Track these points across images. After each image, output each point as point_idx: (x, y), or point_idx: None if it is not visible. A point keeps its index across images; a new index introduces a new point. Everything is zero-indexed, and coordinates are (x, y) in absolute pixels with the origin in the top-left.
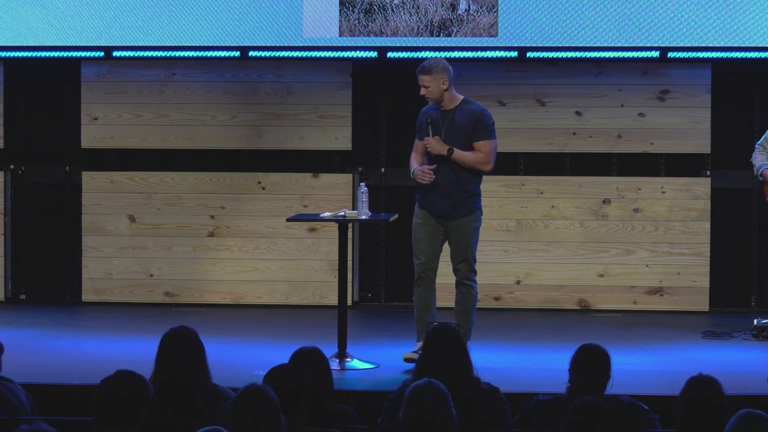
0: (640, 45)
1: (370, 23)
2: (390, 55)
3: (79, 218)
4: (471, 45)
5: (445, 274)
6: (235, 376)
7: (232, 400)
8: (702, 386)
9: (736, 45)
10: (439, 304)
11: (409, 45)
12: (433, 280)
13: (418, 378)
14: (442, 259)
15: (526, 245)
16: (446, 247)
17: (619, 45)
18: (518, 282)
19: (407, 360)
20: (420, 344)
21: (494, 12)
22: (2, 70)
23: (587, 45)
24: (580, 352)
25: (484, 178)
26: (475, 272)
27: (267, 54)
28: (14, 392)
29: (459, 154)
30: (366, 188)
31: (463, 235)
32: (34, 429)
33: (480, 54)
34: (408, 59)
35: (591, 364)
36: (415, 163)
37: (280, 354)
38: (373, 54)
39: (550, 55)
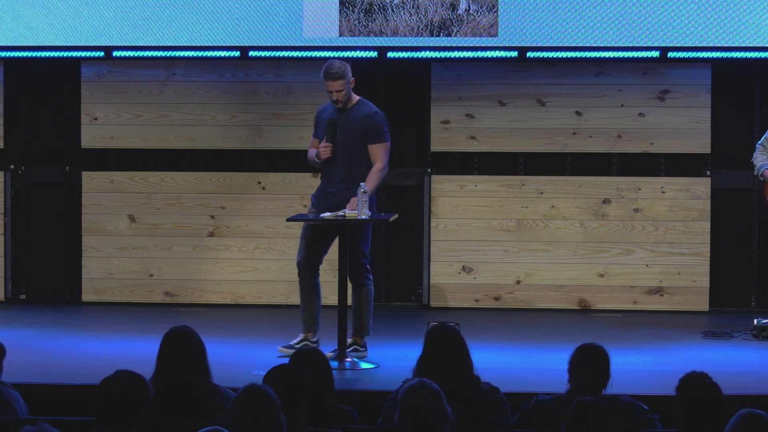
0: (640, 45)
1: (370, 23)
2: (390, 55)
3: (79, 218)
4: (471, 45)
5: (444, 274)
6: (235, 376)
7: (232, 400)
8: (695, 384)
9: (736, 45)
10: (435, 303)
11: (409, 45)
12: (313, 275)
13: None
14: (436, 258)
15: (526, 245)
16: (441, 248)
17: (619, 45)
18: (518, 282)
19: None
20: (302, 336)
21: (494, 12)
22: (2, 70)
23: (587, 45)
24: (579, 352)
25: (484, 178)
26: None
27: (267, 54)
28: (14, 397)
29: (372, 185)
30: (365, 188)
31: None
32: (38, 430)
33: (480, 54)
34: (408, 59)
35: (590, 364)
36: (310, 153)
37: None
38: (373, 54)
39: (550, 55)
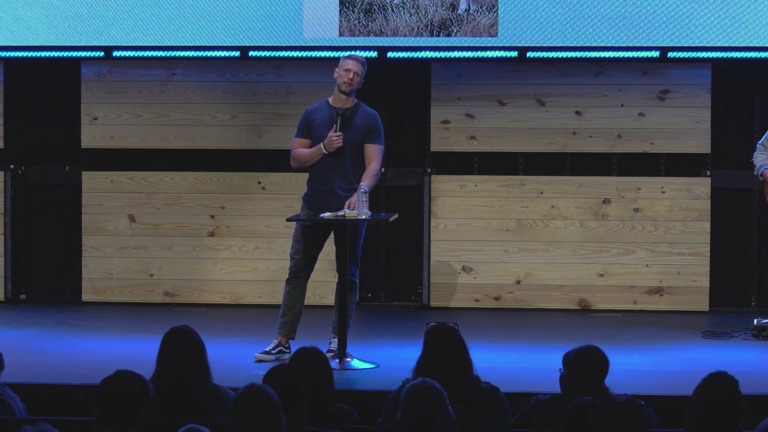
0: (640, 45)
1: (370, 23)
2: (390, 55)
3: (79, 218)
4: (471, 45)
5: (444, 274)
6: (235, 376)
7: (232, 400)
8: (722, 384)
9: (736, 45)
10: (435, 303)
11: (409, 45)
12: (306, 280)
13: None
14: (436, 258)
15: (526, 245)
16: (441, 248)
17: (619, 45)
18: (518, 282)
19: (260, 360)
20: (276, 341)
21: (494, 12)
22: (2, 70)
23: (587, 45)
24: (569, 358)
25: (484, 178)
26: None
27: (267, 54)
28: (13, 398)
29: (369, 186)
30: (366, 188)
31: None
32: (38, 430)
33: (480, 54)
34: (408, 59)
35: (582, 368)
36: (304, 150)
37: None
38: (373, 54)
39: (550, 55)
